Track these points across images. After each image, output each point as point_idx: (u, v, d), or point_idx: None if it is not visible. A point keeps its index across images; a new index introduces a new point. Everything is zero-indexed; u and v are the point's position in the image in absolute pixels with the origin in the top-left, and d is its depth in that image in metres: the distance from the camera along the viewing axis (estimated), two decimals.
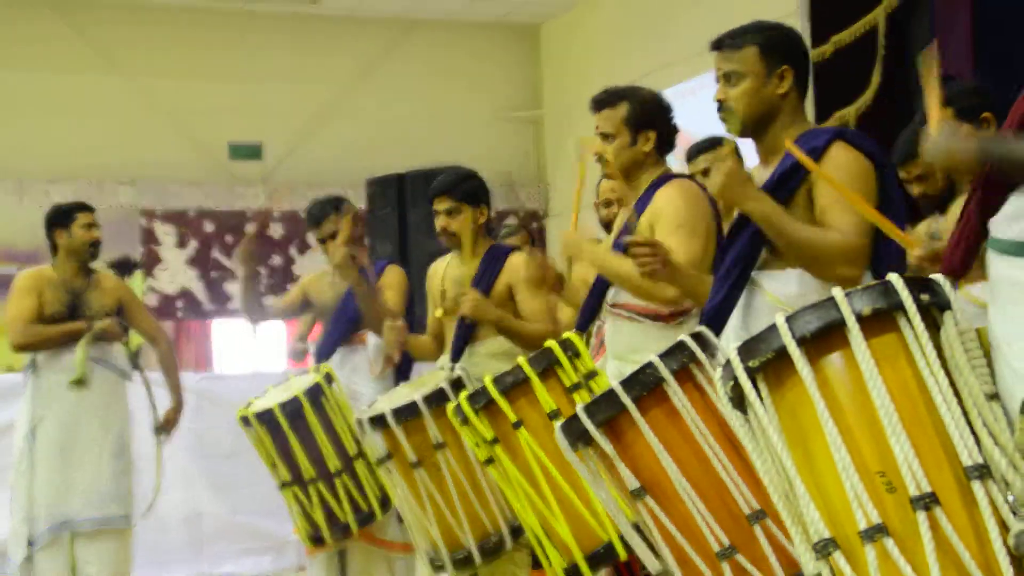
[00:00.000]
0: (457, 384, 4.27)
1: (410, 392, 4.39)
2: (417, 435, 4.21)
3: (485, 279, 4.77)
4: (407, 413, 4.21)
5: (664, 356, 2.86)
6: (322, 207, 5.45)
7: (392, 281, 5.46)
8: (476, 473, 4.11)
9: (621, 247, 3.93)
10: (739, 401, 2.39)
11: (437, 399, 4.20)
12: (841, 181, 3.03)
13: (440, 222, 4.82)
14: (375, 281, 5.43)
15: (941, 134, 2.47)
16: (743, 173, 3.13)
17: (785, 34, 3.29)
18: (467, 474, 4.18)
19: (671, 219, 3.88)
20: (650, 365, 2.84)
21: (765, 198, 3.09)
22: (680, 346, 2.88)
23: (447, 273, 4.93)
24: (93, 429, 5.79)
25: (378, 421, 4.24)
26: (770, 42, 3.22)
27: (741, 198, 3.10)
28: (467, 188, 4.85)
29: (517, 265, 4.78)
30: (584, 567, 3.49)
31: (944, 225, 4.14)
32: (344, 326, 5.46)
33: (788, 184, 3.14)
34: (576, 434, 2.86)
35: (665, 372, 2.83)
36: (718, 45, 3.27)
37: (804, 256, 3.08)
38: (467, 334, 4.78)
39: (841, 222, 3.06)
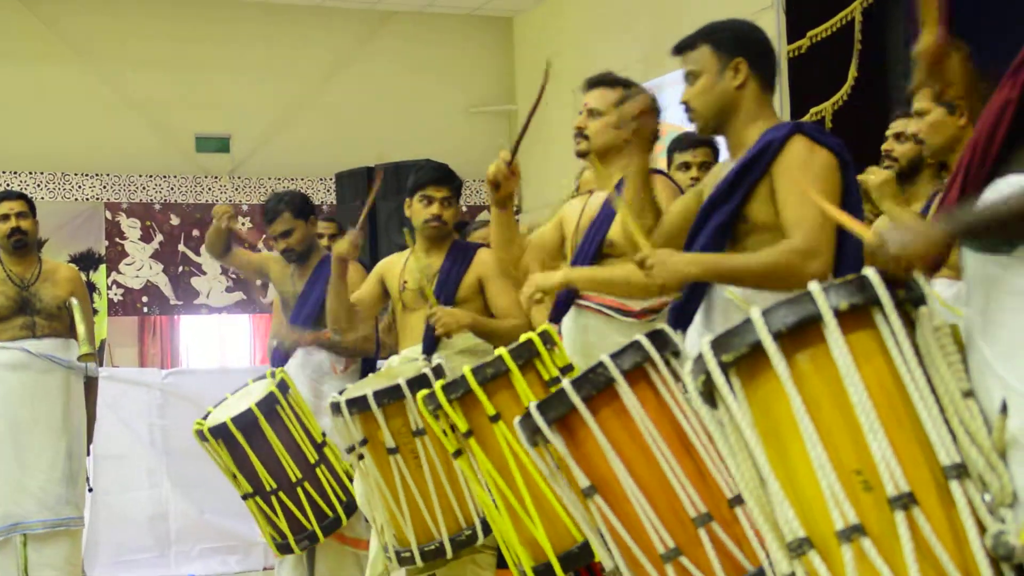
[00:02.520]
0: (437, 372, 4.24)
1: (385, 380, 4.33)
2: (397, 419, 4.16)
3: (453, 273, 4.74)
4: (389, 396, 4.15)
5: (615, 356, 2.87)
6: (276, 205, 5.44)
7: (354, 281, 5.42)
8: (454, 463, 4.04)
9: (597, 233, 3.91)
10: (709, 396, 2.37)
11: (420, 384, 4.13)
12: (801, 176, 3.03)
13: (435, 209, 4.79)
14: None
15: (895, 231, 2.36)
16: (667, 255, 3.10)
17: (737, 28, 3.32)
18: (444, 463, 4.13)
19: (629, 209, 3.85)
20: (601, 364, 2.85)
21: (697, 258, 3.10)
22: (634, 345, 2.88)
23: (408, 266, 4.88)
24: (47, 429, 5.70)
25: (358, 403, 4.17)
26: (721, 38, 3.26)
27: (679, 272, 3.08)
28: (459, 184, 4.91)
29: (487, 260, 4.75)
30: (557, 567, 3.44)
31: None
32: (303, 322, 5.42)
33: (749, 175, 3.14)
34: (531, 430, 2.88)
35: (615, 372, 2.84)
36: (678, 49, 3.33)
37: (772, 280, 3.04)
38: (433, 331, 4.73)
39: (799, 216, 3.03)
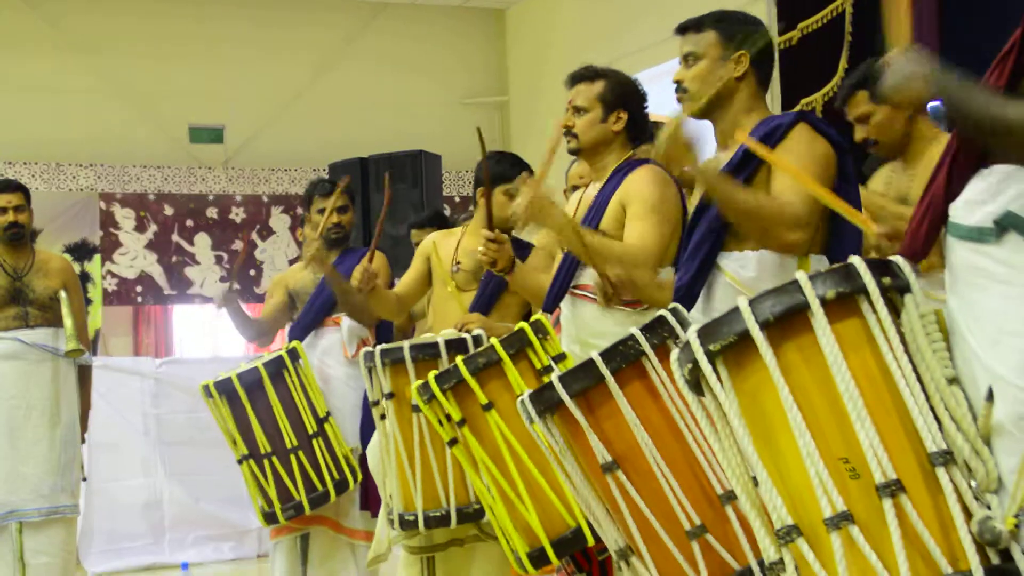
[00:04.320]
0: (477, 341, 4.23)
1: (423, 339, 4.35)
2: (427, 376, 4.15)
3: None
4: (425, 351, 4.14)
5: (645, 330, 2.86)
6: (331, 182, 5.57)
7: (380, 269, 5.45)
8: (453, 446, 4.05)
9: (590, 224, 3.94)
10: (695, 384, 2.38)
11: (457, 348, 4.15)
12: (800, 162, 3.09)
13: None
14: (358, 263, 5.46)
15: (906, 58, 2.40)
16: (715, 163, 3.18)
17: (745, 21, 3.38)
18: None
19: (643, 203, 3.92)
20: (632, 338, 2.84)
21: (728, 184, 3.14)
22: (660, 321, 2.88)
23: (463, 246, 4.89)
24: (41, 418, 5.73)
25: (391, 353, 4.16)
26: (729, 28, 3.32)
27: (710, 177, 3.14)
28: None
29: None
30: (550, 552, 3.46)
31: (906, 188, 4.17)
32: (318, 309, 5.46)
33: (747, 167, 3.19)
34: (545, 404, 2.85)
35: (646, 346, 2.83)
36: (682, 29, 3.38)
37: (752, 222, 3.13)
38: (484, 312, 4.75)
39: (789, 193, 3.10)
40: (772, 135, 3.18)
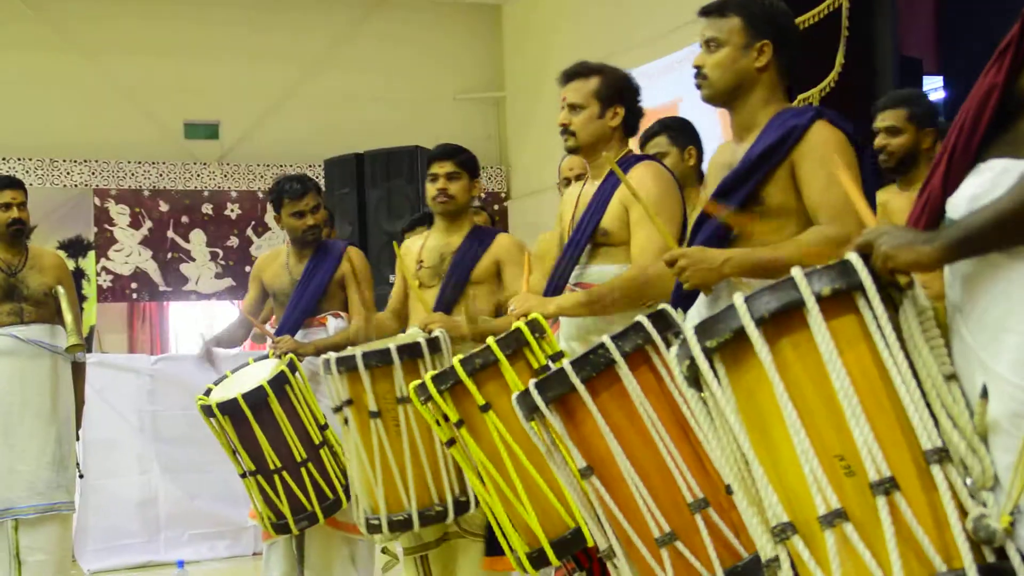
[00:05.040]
0: (433, 344, 4.24)
1: (378, 344, 4.35)
2: (383, 384, 4.18)
3: (470, 254, 4.75)
4: (377, 359, 4.18)
5: (617, 338, 2.86)
6: (305, 181, 5.50)
7: (361, 267, 5.46)
8: (435, 437, 4.03)
9: (591, 221, 3.91)
10: (694, 380, 2.38)
11: (411, 352, 4.17)
12: (827, 161, 3.01)
13: (440, 184, 4.80)
14: (338, 262, 5.45)
15: (893, 230, 2.29)
16: (700, 253, 3.11)
17: (771, 10, 3.27)
18: (424, 436, 4.15)
19: (647, 203, 3.85)
20: (602, 346, 2.85)
21: (731, 257, 3.09)
22: (636, 327, 2.87)
23: (427, 244, 4.89)
24: (36, 415, 5.72)
25: (346, 362, 4.20)
26: (754, 15, 3.22)
27: (714, 273, 3.09)
28: (467, 158, 4.86)
29: (506, 245, 4.80)
30: (550, 552, 3.46)
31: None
32: (303, 309, 5.44)
33: (771, 159, 3.13)
34: (529, 408, 2.88)
35: (616, 354, 2.83)
36: (706, 11, 3.28)
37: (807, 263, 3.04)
38: (448, 308, 4.74)
39: (827, 201, 3.05)
40: (790, 135, 3.12)
